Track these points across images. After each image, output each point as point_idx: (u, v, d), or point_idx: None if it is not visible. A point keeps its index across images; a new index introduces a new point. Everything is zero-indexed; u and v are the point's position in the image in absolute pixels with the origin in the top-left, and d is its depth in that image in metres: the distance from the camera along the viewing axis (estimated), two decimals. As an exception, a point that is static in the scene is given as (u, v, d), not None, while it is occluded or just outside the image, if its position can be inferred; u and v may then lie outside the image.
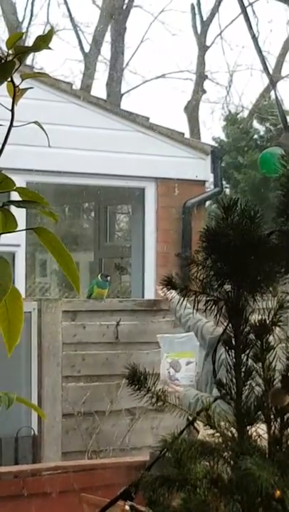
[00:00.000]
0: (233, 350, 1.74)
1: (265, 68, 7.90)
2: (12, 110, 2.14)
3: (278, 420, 1.73)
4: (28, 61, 17.79)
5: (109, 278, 7.74)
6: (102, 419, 6.75)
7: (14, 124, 2.11)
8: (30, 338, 6.39)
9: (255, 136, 13.00)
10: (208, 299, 1.74)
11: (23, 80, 2.18)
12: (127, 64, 20.16)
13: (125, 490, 1.82)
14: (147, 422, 6.75)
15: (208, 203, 10.41)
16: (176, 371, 5.96)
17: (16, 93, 2.17)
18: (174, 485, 1.70)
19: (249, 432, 1.73)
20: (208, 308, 1.74)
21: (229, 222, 1.72)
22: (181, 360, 5.98)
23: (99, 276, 7.59)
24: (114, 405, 6.66)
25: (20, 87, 2.21)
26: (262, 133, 13.15)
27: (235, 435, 1.71)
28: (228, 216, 1.73)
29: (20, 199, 2.24)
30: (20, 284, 8.68)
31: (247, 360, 1.75)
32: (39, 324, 6.51)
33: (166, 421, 6.43)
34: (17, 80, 2.11)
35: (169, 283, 1.75)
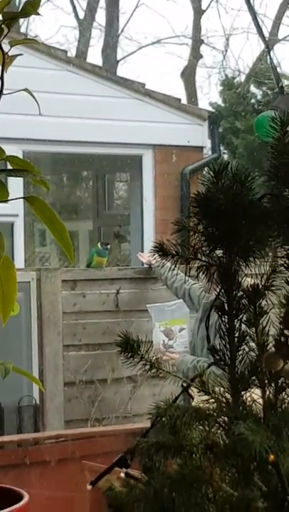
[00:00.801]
0: (225, 316, 1.73)
1: (260, 33, 7.82)
2: (1, 78, 2.11)
3: (272, 385, 1.72)
4: (22, 29, 17.66)
5: (109, 246, 7.72)
6: (103, 387, 6.77)
7: (8, 92, 2.09)
8: (29, 308, 6.39)
9: (253, 101, 12.92)
10: (200, 264, 1.73)
11: (12, 47, 2.15)
12: (122, 30, 20.02)
13: (121, 457, 1.82)
14: (149, 388, 6.78)
15: (206, 169, 10.37)
16: (169, 339, 5.98)
17: (5, 60, 2.14)
18: (169, 451, 1.70)
19: (243, 397, 1.73)
20: (200, 273, 1.72)
21: (220, 187, 1.70)
22: (173, 327, 5.99)
23: (98, 244, 7.57)
24: (115, 373, 6.67)
25: (12, 54, 2.18)
26: (259, 97, 13.07)
27: (230, 401, 1.71)
28: (219, 181, 1.71)
29: (11, 168, 2.23)
30: (19, 254, 8.68)
31: (240, 325, 1.74)
32: (39, 294, 6.51)
33: (167, 387, 6.43)
34: (6, 47, 2.08)
35: (160, 249, 1.74)
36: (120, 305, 6.94)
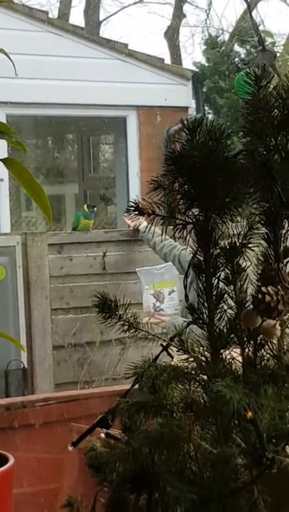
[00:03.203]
0: (203, 274, 1.71)
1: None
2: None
3: (251, 342, 1.72)
4: (4, -9, 17.36)
5: (95, 209, 7.69)
6: (92, 350, 6.79)
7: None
8: (15, 273, 6.38)
9: (237, 60, 12.82)
10: (176, 223, 1.71)
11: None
12: (105, -10, 19.77)
13: (102, 418, 1.82)
14: (138, 350, 6.79)
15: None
16: (159, 302, 5.99)
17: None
18: (150, 411, 1.70)
19: (223, 356, 1.72)
20: (177, 232, 1.71)
21: (195, 144, 1.68)
22: (163, 290, 6.00)
23: (85, 206, 7.53)
24: (104, 336, 6.68)
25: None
26: (243, 56, 12.97)
27: (209, 359, 1.71)
28: (194, 138, 1.69)
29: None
30: (5, 218, 8.65)
31: (218, 283, 1.73)
32: (25, 258, 6.49)
33: (156, 349, 6.46)
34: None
35: (136, 209, 1.72)
36: (107, 267, 6.93)
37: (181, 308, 5.64)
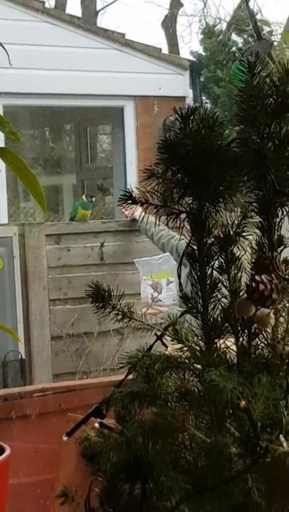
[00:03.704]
0: (197, 263, 1.71)
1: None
2: None
3: (246, 331, 1.71)
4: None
5: (94, 199, 7.67)
6: (90, 340, 6.79)
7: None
8: (12, 263, 6.37)
9: (234, 49, 12.80)
10: (169, 212, 1.70)
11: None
12: (102, -20, 19.70)
13: (96, 407, 1.82)
14: (136, 341, 6.79)
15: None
16: (157, 292, 5.99)
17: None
18: (144, 400, 1.69)
19: (217, 345, 1.72)
20: (171, 221, 1.70)
21: (188, 132, 1.67)
22: (161, 280, 6.00)
23: (83, 196, 7.51)
24: (102, 326, 6.68)
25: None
26: (240, 45, 12.94)
27: (203, 348, 1.70)
28: (187, 126, 1.68)
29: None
30: (2, 209, 8.64)
31: (212, 272, 1.72)
32: (22, 249, 6.49)
33: (154, 339, 6.45)
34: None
35: (129, 198, 1.72)
36: (105, 258, 6.93)
37: (179, 299, 5.63)
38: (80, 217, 7.26)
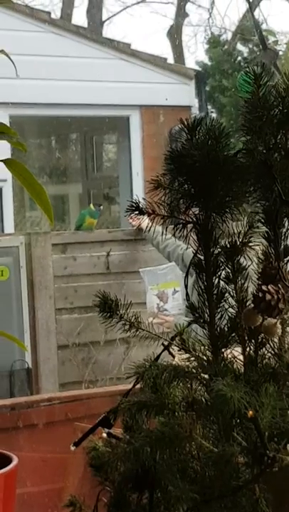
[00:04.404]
0: (204, 273, 1.71)
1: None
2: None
3: (252, 341, 1.72)
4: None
5: (102, 207, 7.69)
6: (97, 349, 6.80)
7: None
8: (19, 273, 6.39)
9: (239, 58, 12.83)
10: (176, 222, 1.71)
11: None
12: (108, -10, 19.78)
13: (104, 417, 1.82)
14: (142, 350, 6.78)
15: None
16: (163, 302, 5.99)
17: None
18: (151, 410, 1.70)
19: (224, 355, 1.72)
20: (177, 231, 1.71)
21: (194, 143, 1.68)
22: (167, 290, 6.00)
23: (91, 205, 7.52)
24: (108, 335, 6.69)
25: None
26: (246, 54, 12.97)
27: (210, 358, 1.71)
28: (193, 137, 1.69)
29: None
30: (8, 218, 8.66)
31: (218, 282, 1.73)
32: (29, 258, 6.50)
33: (160, 349, 6.44)
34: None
35: (136, 208, 1.72)
36: (111, 267, 6.95)
37: (185, 308, 5.64)
38: (86, 226, 7.27)
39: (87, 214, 7.35)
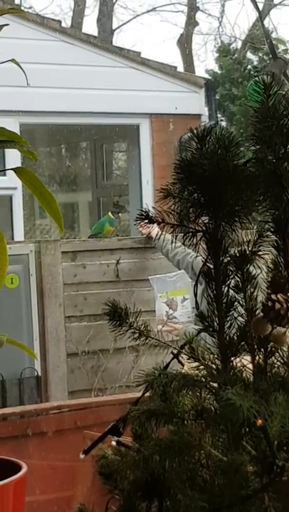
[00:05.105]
0: (213, 282, 1.72)
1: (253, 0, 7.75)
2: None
3: (262, 350, 1.72)
4: (17, 1, 17.50)
5: (120, 215, 7.72)
6: (106, 357, 6.79)
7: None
8: (28, 280, 6.40)
9: (249, 67, 12.85)
10: (186, 231, 1.72)
11: (-3, 17, 2.14)
12: (117, -2, 19.86)
13: (113, 425, 1.83)
14: (151, 358, 6.78)
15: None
16: (172, 310, 5.99)
17: (-11, 31, 2.13)
18: (160, 418, 1.70)
19: (233, 363, 1.73)
20: (187, 240, 1.72)
21: (204, 152, 1.69)
22: (176, 298, 6.00)
23: (110, 213, 7.52)
24: (118, 343, 6.69)
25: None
26: (255, 63, 12.99)
27: (219, 367, 1.71)
28: (203, 146, 1.69)
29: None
30: (18, 226, 8.68)
31: (228, 291, 1.73)
32: (38, 266, 6.51)
33: (169, 357, 6.44)
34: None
35: (146, 217, 1.73)
36: (121, 275, 6.94)
37: (194, 316, 5.64)
38: (105, 234, 7.30)
39: (107, 222, 7.37)
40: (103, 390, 6.75)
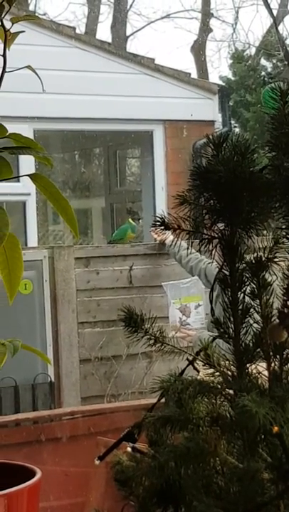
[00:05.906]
0: (229, 289, 1.72)
1: (267, 6, 7.75)
2: (4, 55, 2.11)
3: (277, 357, 1.72)
4: (31, 7, 17.59)
5: (140, 221, 7.75)
6: (119, 364, 6.79)
7: (10, 70, 2.09)
8: (42, 286, 6.41)
9: (263, 73, 12.85)
10: (202, 238, 1.72)
11: (13, 24, 2.14)
12: (131, 5, 19.91)
13: (128, 432, 1.82)
14: (164, 364, 6.79)
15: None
16: (186, 316, 5.99)
17: (7, 37, 2.13)
18: (176, 424, 1.70)
19: (249, 370, 1.72)
20: (203, 247, 1.72)
21: (220, 159, 1.69)
22: (189, 304, 6.00)
23: (130, 219, 7.54)
24: (130, 349, 6.69)
25: (14, 31, 2.17)
26: (269, 69, 12.99)
27: (235, 373, 1.71)
28: (219, 153, 1.70)
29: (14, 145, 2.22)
30: (32, 232, 8.70)
31: (244, 297, 1.73)
32: (52, 272, 6.53)
33: (182, 363, 6.44)
34: (8, 24, 2.08)
35: (162, 224, 1.73)
36: (134, 281, 6.95)
37: (208, 323, 5.64)
38: (126, 240, 7.32)
39: (129, 228, 7.39)
40: (116, 396, 6.75)
